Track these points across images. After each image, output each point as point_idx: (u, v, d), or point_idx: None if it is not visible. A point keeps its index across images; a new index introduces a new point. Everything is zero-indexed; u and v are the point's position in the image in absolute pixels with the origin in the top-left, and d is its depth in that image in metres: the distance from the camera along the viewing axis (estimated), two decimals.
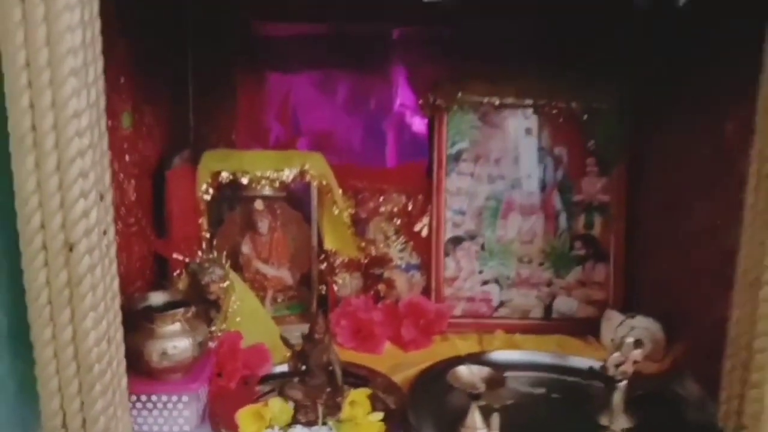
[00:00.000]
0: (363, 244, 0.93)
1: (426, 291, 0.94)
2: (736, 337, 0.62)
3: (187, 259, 0.76)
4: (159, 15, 0.77)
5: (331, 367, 0.70)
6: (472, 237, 0.94)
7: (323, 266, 0.91)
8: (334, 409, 0.68)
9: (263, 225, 0.87)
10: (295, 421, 0.67)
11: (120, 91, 0.66)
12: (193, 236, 0.80)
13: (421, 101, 0.94)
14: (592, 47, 0.89)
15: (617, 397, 0.60)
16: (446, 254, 0.94)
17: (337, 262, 0.91)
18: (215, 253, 0.78)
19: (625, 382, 0.60)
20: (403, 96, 0.95)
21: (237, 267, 0.85)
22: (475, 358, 0.75)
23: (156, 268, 0.81)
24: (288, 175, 0.84)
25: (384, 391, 0.72)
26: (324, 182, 0.85)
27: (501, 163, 0.93)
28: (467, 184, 0.93)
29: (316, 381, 0.70)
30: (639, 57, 0.88)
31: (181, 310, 0.66)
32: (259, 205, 0.85)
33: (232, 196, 0.86)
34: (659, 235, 0.87)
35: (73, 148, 0.52)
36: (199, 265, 0.76)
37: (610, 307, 0.91)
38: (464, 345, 0.87)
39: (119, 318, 0.60)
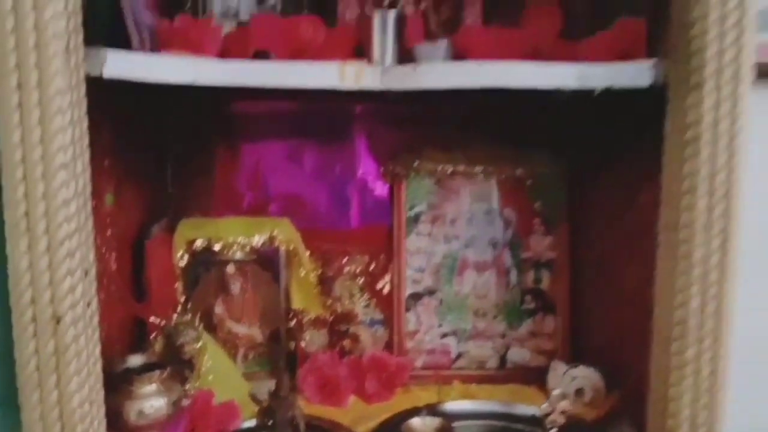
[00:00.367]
0: (329, 301, 0.99)
1: (389, 344, 1.00)
2: (655, 387, 0.70)
3: (163, 322, 0.83)
4: (140, 102, 0.85)
5: (295, 422, 0.77)
6: (431, 293, 1.01)
7: (292, 324, 0.96)
8: None
9: (235, 287, 0.93)
10: None
11: (104, 174, 0.74)
12: (170, 300, 0.87)
13: (381, 169, 1.02)
14: (534, 121, 0.99)
15: None
16: (407, 309, 1.01)
17: (305, 319, 0.97)
18: (189, 316, 0.85)
19: (555, 430, 0.66)
20: (365, 164, 1.03)
21: (211, 327, 0.91)
22: (430, 410, 0.82)
23: (135, 330, 0.87)
24: (258, 240, 0.91)
25: None
26: (291, 246, 0.93)
27: (456, 224, 1.01)
28: (425, 244, 1.01)
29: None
30: (575, 129, 0.98)
31: (157, 372, 0.72)
32: (231, 269, 0.92)
33: (206, 261, 0.92)
34: (600, 290, 0.95)
35: (62, 232, 0.59)
36: (175, 327, 0.82)
37: (559, 356, 0.98)
38: (424, 396, 0.92)
39: (100, 381, 0.66)
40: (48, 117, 0.57)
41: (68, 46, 0.58)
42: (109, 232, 0.76)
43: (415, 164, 0.99)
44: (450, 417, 0.78)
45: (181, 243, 0.89)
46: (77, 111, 0.60)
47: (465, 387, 0.96)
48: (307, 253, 0.95)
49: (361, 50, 0.80)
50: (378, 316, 1.01)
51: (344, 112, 1.02)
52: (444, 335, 1.01)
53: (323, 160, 1.03)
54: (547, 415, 0.66)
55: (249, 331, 0.95)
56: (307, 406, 0.88)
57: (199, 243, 0.90)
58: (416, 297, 1.01)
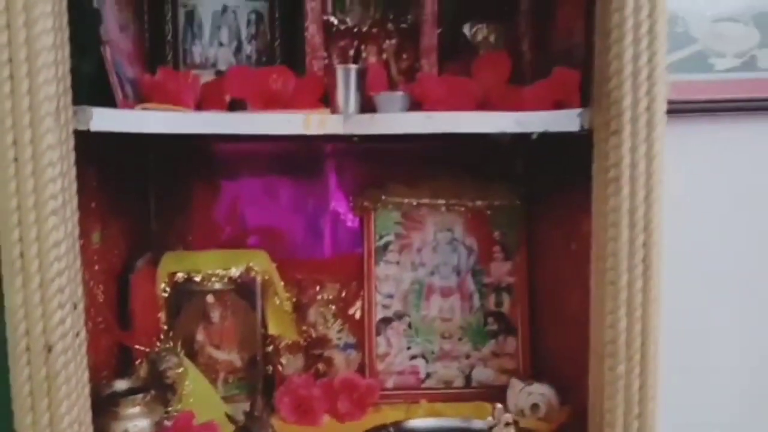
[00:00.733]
0: (304, 327, 1.06)
1: (362, 367, 1.07)
2: (593, 400, 0.77)
3: (147, 349, 0.90)
4: (123, 146, 0.92)
5: None
6: (399, 317, 1.08)
7: (269, 349, 1.03)
8: None
9: (215, 315, 1.00)
10: None
11: (91, 215, 0.81)
12: (153, 328, 0.94)
13: (351, 203, 1.10)
14: (492, 158, 1.07)
15: None
16: (378, 333, 1.07)
17: (281, 344, 1.03)
18: (172, 343, 0.91)
19: None
20: (336, 199, 1.11)
21: (192, 353, 0.98)
22: (396, 426, 0.89)
23: (121, 356, 0.94)
24: (235, 271, 0.99)
25: None
26: (267, 276, 1.00)
27: (422, 252, 1.08)
28: (394, 272, 1.08)
29: None
30: (530, 166, 1.07)
31: (141, 395, 0.79)
32: (210, 298, 0.99)
33: (187, 292, 0.99)
34: (554, 313, 1.02)
35: (53, 270, 0.66)
36: (157, 354, 0.89)
37: (520, 375, 1.05)
38: (393, 414, 0.99)
39: (88, 403, 0.72)
40: (40, 169, 0.65)
41: (58, 107, 0.66)
42: (96, 267, 0.83)
43: (383, 198, 1.07)
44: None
45: (163, 275, 0.96)
46: (66, 162, 0.68)
47: (432, 405, 1.03)
48: (282, 282, 1.02)
49: (327, 97, 0.88)
50: (350, 339, 1.08)
51: (316, 151, 1.10)
52: (413, 357, 1.08)
53: (297, 195, 1.11)
54: (492, 428, 0.73)
55: (228, 356, 1.01)
56: (284, 426, 0.95)
57: (180, 275, 0.97)
58: (386, 321, 1.08)
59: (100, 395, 0.79)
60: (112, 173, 0.90)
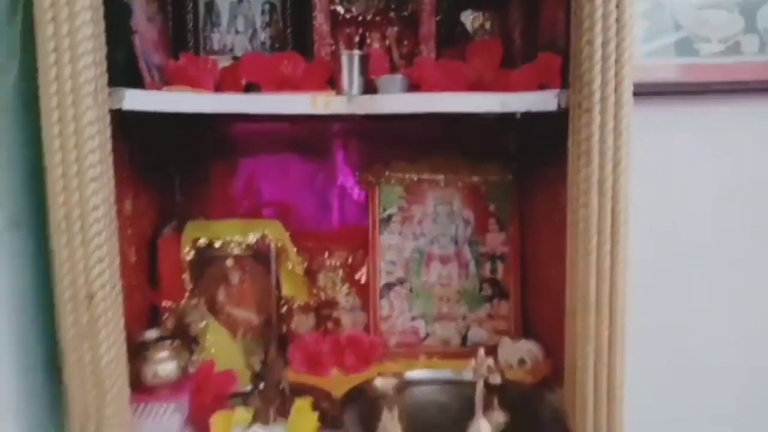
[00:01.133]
0: (314, 290, 1.17)
1: (367, 327, 1.17)
2: (569, 352, 0.86)
3: (173, 306, 1.01)
4: (151, 126, 1.02)
5: (282, 384, 0.94)
6: (401, 282, 1.17)
7: (283, 309, 1.14)
8: (284, 413, 0.91)
9: (234, 278, 1.11)
10: (254, 422, 0.90)
11: (124, 185, 0.91)
12: (179, 288, 1.05)
13: (357, 178, 1.20)
14: (487, 137, 1.16)
15: (478, 393, 0.82)
16: (382, 297, 1.17)
17: (294, 306, 1.14)
18: (195, 301, 1.02)
19: (482, 382, 0.83)
20: (343, 174, 1.21)
21: (213, 312, 1.09)
22: (394, 375, 0.98)
23: (150, 312, 1.05)
24: (252, 239, 1.09)
25: (323, 400, 0.95)
26: (280, 244, 1.10)
27: (422, 224, 1.18)
28: (396, 241, 1.17)
29: (270, 394, 0.93)
30: (522, 143, 1.15)
31: (169, 341, 0.90)
32: (230, 262, 1.10)
33: (209, 256, 1.10)
34: (542, 278, 1.11)
35: (93, 230, 0.77)
36: (183, 310, 1.00)
37: (512, 335, 1.15)
38: (395, 368, 1.09)
39: (124, 347, 0.83)
40: (82, 142, 0.75)
41: (96, 88, 0.76)
42: (128, 232, 0.94)
43: (386, 174, 1.16)
44: (410, 382, 0.96)
45: (187, 241, 1.07)
46: (103, 136, 0.78)
47: (430, 362, 1.13)
48: (295, 249, 1.13)
49: (334, 81, 0.97)
50: (357, 302, 1.18)
51: (325, 131, 1.20)
52: (413, 318, 1.17)
53: (308, 171, 1.21)
54: (476, 369, 0.82)
55: (246, 315, 1.12)
56: (297, 377, 1.05)
57: (202, 241, 1.08)
58: (389, 286, 1.17)
59: (134, 342, 0.89)
60: (141, 150, 1.00)
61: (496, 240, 1.18)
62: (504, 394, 0.93)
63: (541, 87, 0.90)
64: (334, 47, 1.08)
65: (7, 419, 0.83)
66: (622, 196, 0.80)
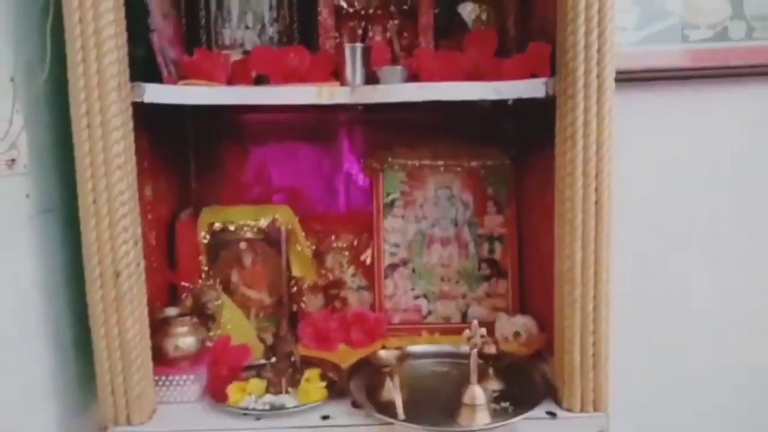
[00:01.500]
0: (323, 271, 1.23)
1: (372, 306, 1.24)
2: (558, 322, 0.92)
3: (191, 286, 1.08)
4: (168, 118, 1.09)
5: (292, 357, 1.01)
6: (405, 263, 1.24)
7: (293, 289, 1.21)
8: (295, 383, 0.98)
9: (247, 260, 1.18)
10: (267, 392, 0.97)
11: (145, 173, 0.98)
12: (196, 269, 1.12)
13: (362, 164, 1.27)
14: (485, 123, 1.22)
15: (472, 360, 0.89)
16: (386, 277, 1.24)
17: (304, 286, 1.21)
18: (211, 281, 1.10)
19: (476, 351, 0.89)
20: (349, 161, 1.28)
21: (228, 292, 1.16)
22: (397, 348, 1.06)
23: (170, 291, 1.13)
24: (263, 223, 1.16)
25: (330, 371, 1.02)
26: (290, 227, 1.17)
27: (424, 207, 1.24)
28: (399, 224, 1.24)
29: (282, 365, 1.00)
30: (518, 129, 1.21)
31: (188, 317, 0.97)
32: (243, 245, 1.17)
33: (223, 240, 1.17)
34: (538, 257, 1.17)
35: (119, 213, 0.84)
36: (200, 289, 1.07)
37: (510, 312, 1.21)
38: (398, 344, 1.16)
39: (147, 322, 0.90)
40: (107, 133, 0.82)
41: (120, 83, 0.83)
42: (149, 216, 1.01)
43: (389, 160, 1.23)
44: (412, 354, 1.03)
45: (203, 225, 1.15)
46: (127, 128, 0.85)
47: (432, 337, 1.19)
48: (303, 233, 1.19)
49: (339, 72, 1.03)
50: (363, 282, 1.25)
51: (331, 120, 1.26)
52: (416, 297, 1.24)
53: (316, 158, 1.28)
54: (470, 338, 0.89)
55: (259, 295, 1.19)
56: (307, 351, 1.12)
57: (217, 225, 1.15)
58: (393, 267, 1.24)
59: (156, 318, 0.97)
60: (160, 139, 1.07)
61: (494, 222, 1.24)
62: (499, 364, 1.00)
63: (533, 75, 0.95)
64: (338, 40, 1.14)
65: (42, 390, 0.91)
66: (605, 176, 0.86)
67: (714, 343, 1.33)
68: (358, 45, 1.02)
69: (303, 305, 1.21)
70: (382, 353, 0.98)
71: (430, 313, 1.24)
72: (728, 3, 1.26)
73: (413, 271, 1.24)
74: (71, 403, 0.96)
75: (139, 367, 0.88)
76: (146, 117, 0.93)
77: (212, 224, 1.15)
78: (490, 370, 0.98)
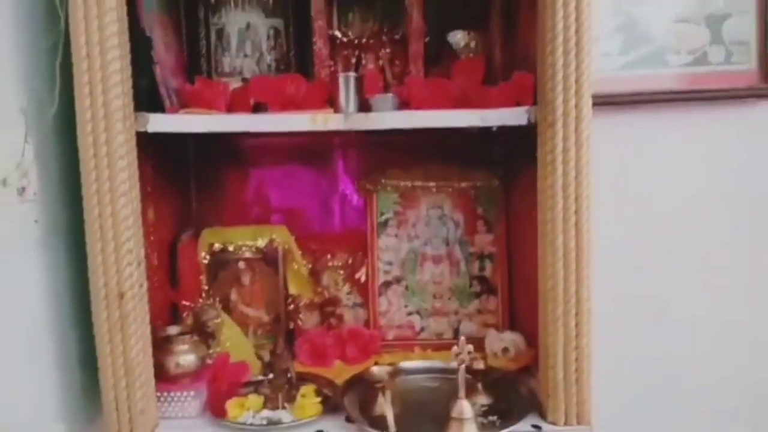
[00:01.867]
0: (319, 289, 1.27)
1: (366, 322, 1.28)
2: (542, 338, 0.96)
3: (191, 305, 1.13)
4: (170, 143, 1.14)
5: (288, 373, 1.05)
6: (398, 281, 1.28)
7: (290, 307, 1.25)
8: (291, 399, 1.02)
9: (245, 279, 1.22)
10: (264, 407, 1.01)
11: (148, 196, 1.02)
12: (196, 288, 1.16)
13: (356, 186, 1.32)
14: (474, 146, 1.27)
15: (460, 376, 0.93)
16: (380, 294, 1.28)
17: (300, 303, 1.25)
18: (211, 300, 1.14)
19: (463, 366, 0.93)
20: (344, 182, 1.33)
21: (227, 310, 1.20)
22: (390, 365, 1.10)
23: (171, 310, 1.17)
24: (261, 243, 1.21)
25: (325, 387, 1.06)
26: (287, 247, 1.22)
27: (416, 226, 1.28)
28: (393, 243, 1.28)
29: (279, 382, 1.04)
30: (507, 151, 1.26)
31: (189, 336, 1.02)
32: (241, 265, 1.21)
33: (223, 259, 1.22)
34: (527, 274, 1.21)
35: (123, 237, 0.88)
36: (200, 308, 1.11)
37: (500, 328, 1.25)
38: (392, 359, 1.20)
39: (150, 341, 0.95)
40: (113, 162, 0.87)
41: (124, 114, 0.88)
42: (152, 238, 1.05)
43: (383, 181, 1.27)
44: (403, 370, 1.07)
45: (204, 246, 1.19)
46: (131, 156, 0.90)
47: (425, 353, 1.23)
48: (300, 252, 1.24)
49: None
50: (357, 300, 1.29)
51: (327, 143, 1.31)
52: (409, 313, 1.28)
53: (312, 179, 1.33)
54: (458, 354, 0.93)
55: (257, 312, 1.24)
56: (303, 367, 1.16)
57: (217, 245, 1.20)
58: (387, 284, 1.28)
59: (158, 336, 1.01)
60: (163, 163, 1.12)
61: (484, 240, 1.28)
62: (487, 379, 1.04)
63: (518, 102, 1.00)
64: (333, 68, 1.19)
65: (50, 406, 0.95)
66: (584, 199, 0.90)
67: (699, 356, 1.37)
68: (351, 74, 1.07)
69: (300, 322, 1.25)
70: (375, 369, 1.02)
71: (423, 329, 1.28)
72: (707, 29, 1.31)
73: (406, 288, 1.28)
74: (78, 418, 1.00)
75: (142, 383, 0.93)
76: (149, 142, 0.98)
77: (212, 244, 1.19)
78: (479, 385, 1.02)
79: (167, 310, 1.15)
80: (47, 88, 0.90)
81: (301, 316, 1.25)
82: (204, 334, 1.08)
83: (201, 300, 1.14)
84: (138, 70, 0.94)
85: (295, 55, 1.25)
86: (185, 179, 1.29)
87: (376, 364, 1.11)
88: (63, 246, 0.96)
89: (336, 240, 1.31)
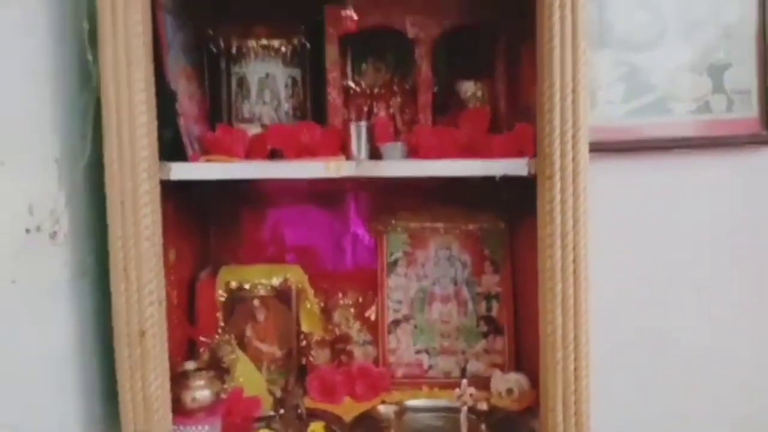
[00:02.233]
0: (330, 326, 1.32)
1: (376, 360, 1.32)
2: (542, 380, 1.00)
3: (208, 340, 1.18)
4: (192, 186, 1.21)
5: (299, 409, 1.09)
6: (407, 319, 1.32)
7: (303, 343, 1.30)
8: None
9: (260, 315, 1.28)
10: None
11: (169, 238, 1.08)
12: (213, 325, 1.22)
13: (368, 227, 1.37)
14: (481, 189, 1.31)
15: (462, 417, 0.96)
16: (390, 332, 1.32)
17: (312, 340, 1.30)
18: (227, 336, 1.19)
19: (466, 407, 0.97)
20: (356, 223, 1.38)
21: (242, 345, 1.25)
22: (397, 403, 1.13)
23: (189, 345, 1.22)
24: (276, 282, 1.26)
25: (334, 423, 1.10)
26: (300, 285, 1.27)
27: (425, 266, 1.33)
28: (402, 282, 1.33)
29: (289, 417, 1.08)
30: (513, 195, 1.31)
31: (205, 372, 1.07)
32: (256, 302, 1.27)
33: (239, 297, 1.27)
34: (533, 316, 1.24)
35: (146, 278, 0.94)
36: (216, 344, 1.16)
37: (506, 368, 1.28)
38: (400, 397, 1.24)
39: (168, 376, 1.00)
40: (138, 208, 0.94)
41: (149, 165, 0.95)
42: (172, 278, 1.11)
43: (393, 222, 1.33)
44: (410, 408, 1.10)
45: (221, 284, 1.25)
46: (155, 203, 0.97)
47: (433, 391, 1.27)
48: (312, 290, 1.29)
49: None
50: (367, 337, 1.33)
51: (340, 186, 1.37)
52: (418, 352, 1.32)
53: (325, 220, 1.39)
54: (460, 396, 0.96)
55: (270, 348, 1.28)
56: (314, 403, 1.20)
57: (234, 284, 1.25)
58: (396, 322, 1.32)
59: (176, 371, 1.06)
60: (183, 205, 1.18)
61: (491, 281, 1.32)
62: (491, 419, 1.07)
63: (520, 152, 1.05)
64: (346, 116, 1.26)
65: None
66: (582, 248, 0.95)
67: (700, 392, 1.39)
68: (363, 123, 1.13)
69: (311, 358, 1.29)
70: (382, 408, 1.06)
71: (431, 367, 1.32)
72: (709, 78, 1.36)
73: (415, 327, 1.32)
74: None
75: (160, 417, 0.97)
76: (172, 187, 1.04)
77: (229, 283, 1.25)
78: (483, 426, 1.06)
79: (185, 345, 1.20)
80: (80, 140, 0.97)
81: (312, 352, 1.29)
82: (219, 370, 1.13)
83: (217, 336, 1.19)
84: (163, 121, 1.01)
85: (311, 102, 1.31)
86: (205, 219, 1.36)
87: (383, 402, 1.14)
88: (89, 286, 1.02)
89: (347, 279, 1.36)
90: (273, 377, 1.28)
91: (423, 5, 1.20)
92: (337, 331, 1.33)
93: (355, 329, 1.34)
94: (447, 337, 1.32)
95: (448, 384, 1.28)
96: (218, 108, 1.31)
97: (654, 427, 1.40)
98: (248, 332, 1.28)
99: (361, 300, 1.34)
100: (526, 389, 1.17)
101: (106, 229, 0.94)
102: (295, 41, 1.28)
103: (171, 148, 1.05)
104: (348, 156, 1.12)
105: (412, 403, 1.17)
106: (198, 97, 1.25)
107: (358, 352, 1.33)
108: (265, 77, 1.31)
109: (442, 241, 1.33)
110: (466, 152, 1.11)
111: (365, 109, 1.29)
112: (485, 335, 1.32)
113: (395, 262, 1.33)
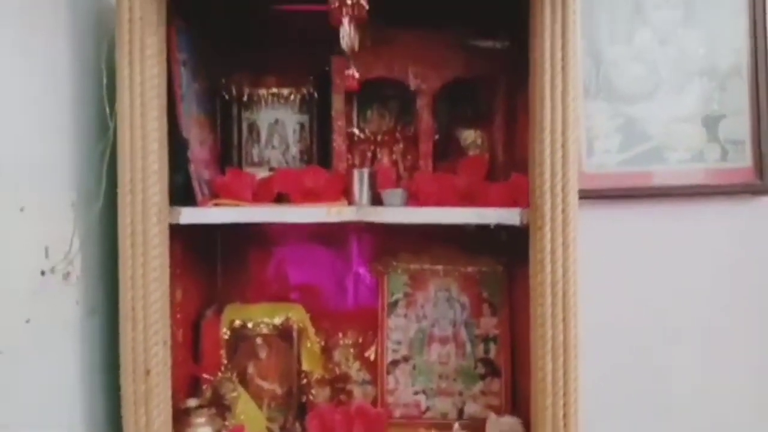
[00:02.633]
0: (330, 365, 1.35)
1: (374, 399, 1.34)
2: (533, 423, 1.02)
3: (211, 378, 1.21)
4: (199, 227, 1.26)
5: None
6: (406, 360, 1.35)
7: (303, 382, 1.32)
8: None
9: (262, 353, 1.31)
10: None
11: (176, 278, 1.13)
12: (216, 362, 1.26)
13: (369, 268, 1.41)
14: (480, 234, 1.35)
15: None
16: (388, 373, 1.34)
17: (313, 378, 1.32)
18: (230, 374, 1.23)
19: None
20: (357, 264, 1.42)
21: (244, 382, 1.28)
22: None
23: (193, 382, 1.26)
24: (278, 320, 1.30)
25: None
26: (301, 325, 1.31)
27: (425, 308, 1.36)
28: (402, 323, 1.36)
29: None
30: (510, 239, 1.34)
31: (206, 409, 1.10)
32: (259, 340, 1.30)
33: (242, 335, 1.31)
34: (529, 360, 1.27)
35: (153, 318, 0.99)
36: (219, 382, 1.20)
37: (503, 410, 1.30)
38: None
39: (170, 413, 1.03)
40: (147, 250, 0.99)
41: (160, 209, 1.00)
42: (178, 316, 1.16)
43: (394, 264, 1.36)
44: None
45: (225, 322, 1.29)
46: (164, 246, 1.02)
47: None
48: (313, 329, 1.32)
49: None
50: (367, 377, 1.36)
51: (342, 227, 1.41)
52: (416, 392, 1.34)
53: (328, 260, 1.43)
54: None
55: (271, 386, 1.31)
56: None
57: (237, 322, 1.29)
58: (395, 363, 1.35)
59: (178, 408, 1.10)
60: (191, 245, 1.23)
61: (489, 323, 1.35)
62: None
63: (515, 201, 1.10)
64: (350, 161, 1.31)
65: None
66: (571, 296, 0.98)
67: None
68: (366, 170, 1.18)
69: (311, 397, 1.32)
70: None
71: (428, 408, 1.34)
72: (704, 128, 1.40)
73: (414, 367, 1.35)
74: None
75: None
76: (180, 229, 1.09)
77: (233, 321, 1.29)
78: None
79: (189, 382, 1.24)
80: (95, 186, 1.03)
81: (312, 391, 1.32)
82: (221, 407, 1.16)
83: (220, 373, 1.23)
84: (175, 167, 1.07)
85: (318, 147, 1.37)
86: (212, 257, 1.40)
87: None
88: (98, 325, 1.07)
89: (348, 318, 1.39)
90: (273, 415, 1.31)
91: (425, 58, 1.26)
92: (337, 371, 1.35)
93: (354, 369, 1.36)
94: (445, 379, 1.35)
95: (444, 425, 1.31)
96: (230, 151, 1.37)
97: None
98: (250, 369, 1.31)
99: (361, 340, 1.37)
100: None
101: (116, 270, 0.99)
102: (304, 90, 1.34)
103: (182, 192, 1.10)
104: (350, 200, 1.16)
105: None
106: (209, 143, 1.31)
107: (357, 392, 1.35)
108: (275, 123, 1.37)
109: (442, 283, 1.37)
110: (464, 199, 1.16)
111: (369, 154, 1.34)
112: (483, 377, 1.34)
113: (395, 303, 1.36)
